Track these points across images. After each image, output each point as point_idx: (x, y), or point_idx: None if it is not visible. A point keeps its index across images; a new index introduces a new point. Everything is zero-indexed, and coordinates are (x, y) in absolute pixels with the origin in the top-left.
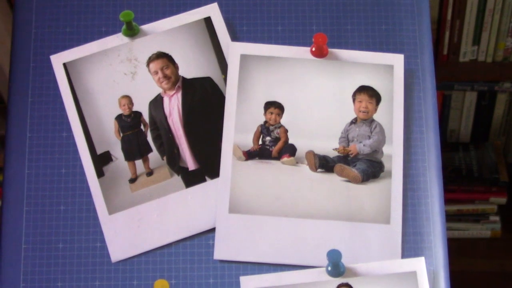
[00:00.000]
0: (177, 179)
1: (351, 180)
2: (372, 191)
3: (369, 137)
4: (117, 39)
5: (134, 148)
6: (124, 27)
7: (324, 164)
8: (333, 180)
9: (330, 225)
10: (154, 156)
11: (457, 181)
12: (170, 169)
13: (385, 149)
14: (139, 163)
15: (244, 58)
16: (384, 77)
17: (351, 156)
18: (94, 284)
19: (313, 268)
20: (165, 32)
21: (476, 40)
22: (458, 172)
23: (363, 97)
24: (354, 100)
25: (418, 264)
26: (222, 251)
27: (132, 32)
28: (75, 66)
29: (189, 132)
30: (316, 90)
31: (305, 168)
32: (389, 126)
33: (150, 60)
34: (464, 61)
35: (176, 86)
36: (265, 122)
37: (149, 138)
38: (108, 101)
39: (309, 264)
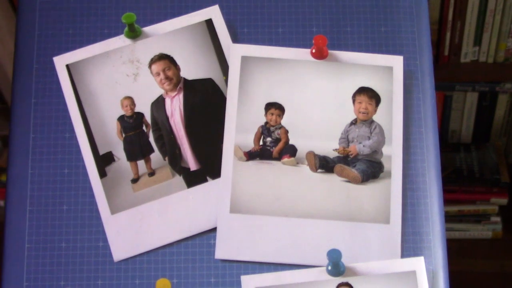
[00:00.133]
0: (179, 179)
1: (351, 180)
2: (371, 191)
3: (369, 138)
4: (120, 41)
5: (136, 148)
6: (126, 29)
7: (324, 164)
8: (333, 180)
9: (330, 225)
10: (156, 156)
11: (458, 182)
12: (171, 169)
13: (385, 150)
14: (141, 163)
15: (245, 59)
16: (384, 78)
17: (351, 156)
18: (97, 283)
19: (313, 267)
20: (167, 34)
21: (477, 41)
22: (459, 173)
23: (362, 98)
24: (354, 101)
25: (418, 264)
26: (223, 250)
27: (134, 34)
28: (78, 67)
29: (190, 132)
30: (316, 91)
31: (305, 168)
32: (389, 127)
33: (152, 61)
34: (465, 61)
35: (178, 88)
36: (266, 123)
37: (151, 138)
38: (110, 102)
39: (309, 264)
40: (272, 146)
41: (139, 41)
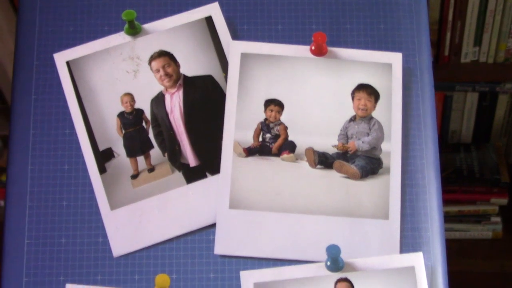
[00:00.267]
0: (178, 175)
1: (350, 176)
2: (370, 187)
3: (368, 134)
4: (120, 38)
5: (136, 144)
6: (126, 26)
7: (323, 160)
8: (332, 177)
9: (329, 221)
10: (155, 152)
11: (458, 182)
12: (171, 166)
13: (384, 146)
14: (140, 159)
15: (244, 56)
16: (383, 75)
17: (350, 152)
18: (96, 279)
19: (313, 263)
20: (167, 31)
21: (478, 41)
22: (459, 173)
23: (362, 95)
24: (353, 97)
25: (416, 259)
26: (222, 246)
27: (134, 31)
28: (78, 64)
29: (190, 129)
30: (315, 88)
31: (304, 164)
32: (388, 123)
33: (152, 58)
34: (465, 62)
35: (178, 84)
36: (265, 119)
37: (151, 135)
38: (110, 98)
39: (308, 259)
40: (271, 142)
41: (139, 38)
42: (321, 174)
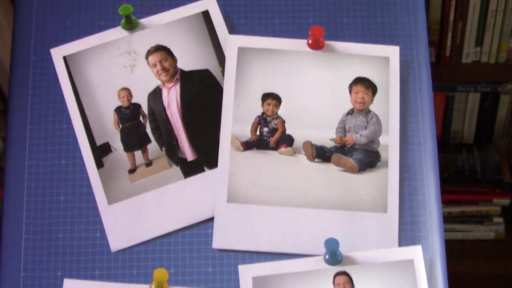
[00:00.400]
0: (176, 170)
1: (348, 169)
2: (369, 180)
3: (366, 128)
4: (116, 33)
5: (133, 139)
6: (123, 20)
7: (321, 154)
8: (330, 170)
9: (327, 214)
10: (153, 147)
11: (460, 183)
12: (169, 160)
13: (382, 139)
14: (138, 154)
15: (241, 50)
16: (380, 68)
17: (348, 146)
18: (94, 274)
19: (311, 256)
20: (164, 26)
21: (479, 41)
22: (461, 174)
23: (359, 88)
24: (350, 91)
25: (415, 253)
26: (220, 240)
27: (131, 25)
28: (75, 59)
29: (187, 123)
30: (313, 82)
31: (302, 158)
32: (386, 116)
33: (149, 53)
34: (466, 62)
35: (175, 79)
36: (263, 113)
37: (148, 129)
38: (107, 93)
39: (307, 253)
40: (269, 136)
41: (136, 33)
42: (319, 167)
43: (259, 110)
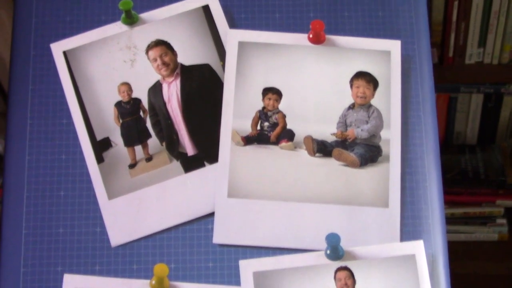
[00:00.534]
0: (176, 165)
1: (349, 164)
2: (370, 175)
3: (367, 122)
4: (117, 27)
5: (134, 134)
6: (123, 15)
7: (322, 148)
8: (331, 165)
9: (328, 209)
10: (153, 142)
11: (463, 184)
12: (169, 155)
13: (383, 134)
14: (138, 149)
15: (242, 45)
16: (381, 62)
17: (349, 140)
18: (94, 269)
19: (312, 251)
20: (164, 20)
21: (482, 42)
22: (464, 175)
23: (360, 82)
24: (351, 85)
25: (417, 247)
26: (221, 235)
27: (131, 20)
28: (75, 54)
29: (187, 118)
30: (313, 76)
31: (303, 153)
32: (387, 111)
33: (149, 47)
34: (469, 63)
35: (175, 73)
36: (263, 107)
37: (148, 124)
38: (107, 88)
39: (308, 248)
40: (269, 130)
41: (136, 28)
42: (320, 162)
43: (259, 105)
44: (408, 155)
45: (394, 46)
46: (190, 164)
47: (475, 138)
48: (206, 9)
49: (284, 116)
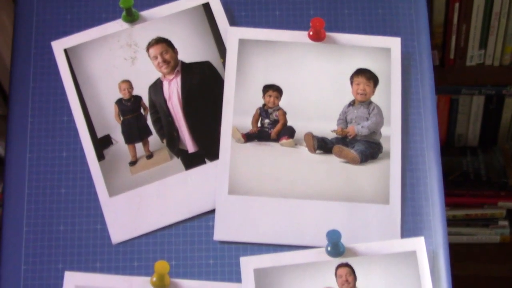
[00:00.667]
0: (177, 162)
1: (350, 161)
2: (370, 172)
3: (367, 119)
4: (117, 25)
5: (134, 131)
6: (124, 13)
7: (322, 145)
8: (331, 161)
9: (329, 206)
10: (154, 139)
11: (465, 186)
12: (169, 152)
13: (383, 131)
14: (139, 146)
15: (242, 42)
16: (382, 60)
17: (350, 137)
18: (95, 266)
19: (313, 248)
20: (164, 18)
21: (483, 44)
22: (466, 177)
23: (360, 79)
24: (352, 82)
25: (418, 244)
26: (221, 232)
27: (131, 18)
28: (76, 51)
29: (188, 115)
30: (314, 73)
31: (303, 149)
32: (387, 108)
33: (150, 45)
34: (471, 65)
35: (176, 71)
36: (264, 105)
37: (149, 121)
38: (108, 85)
39: (308, 245)
40: (270, 127)
41: (136, 25)
42: (320, 159)
43: (260, 102)
44: (408, 152)
45: (394, 43)
46: (190, 161)
47: (477, 140)
48: (206, 6)
49: (284, 113)
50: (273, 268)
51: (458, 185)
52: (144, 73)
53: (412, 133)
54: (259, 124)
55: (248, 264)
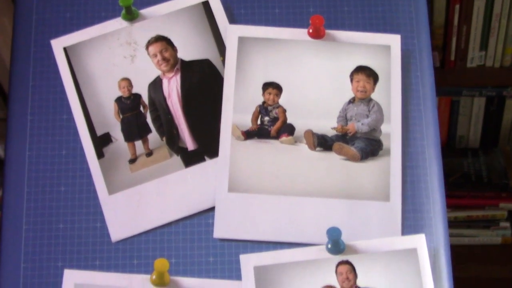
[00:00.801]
0: (177, 159)
1: (350, 158)
2: (371, 169)
3: (367, 116)
4: (117, 23)
5: (134, 129)
6: (123, 11)
7: (322, 143)
8: (331, 159)
9: (329, 203)
10: (153, 137)
11: (466, 187)
12: (169, 149)
13: (384, 128)
14: (138, 144)
15: (242, 40)
16: (381, 57)
17: (350, 134)
18: (95, 264)
19: (313, 246)
20: (164, 16)
21: (484, 45)
22: (467, 178)
23: (360, 76)
24: (351, 80)
25: (419, 241)
26: (221, 229)
27: (131, 16)
28: (75, 50)
29: (188, 113)
30: (313, 71)
31: (303, 147)
32: (387, 105)
33: (149, 43)
34: (471, 66)
35: (175, 68)
36: (264, 102)
37: (149, 119)
38: (108, 83)
39: (308, 242)
40: (270, 125)
41: (136, 23)
42: (320, 156)
43: (260, 99)
44: (408, 149)
45: (394, 41)
46: (190, 159)
47: (478, 142)
48: (206, 4)
49: (284, 111)
50: (273, 265)
51: (459, 186)
52: (143, 71)
53: (412, 130)
54: (259, 122)
55: (248, 261)
